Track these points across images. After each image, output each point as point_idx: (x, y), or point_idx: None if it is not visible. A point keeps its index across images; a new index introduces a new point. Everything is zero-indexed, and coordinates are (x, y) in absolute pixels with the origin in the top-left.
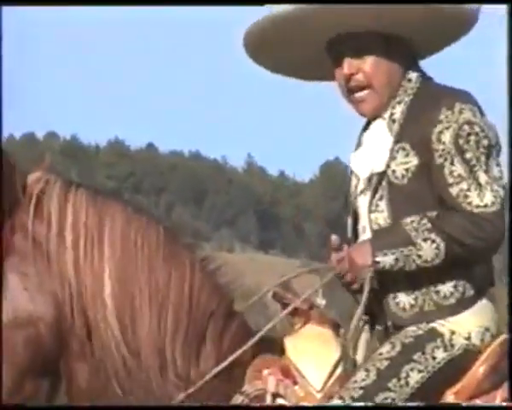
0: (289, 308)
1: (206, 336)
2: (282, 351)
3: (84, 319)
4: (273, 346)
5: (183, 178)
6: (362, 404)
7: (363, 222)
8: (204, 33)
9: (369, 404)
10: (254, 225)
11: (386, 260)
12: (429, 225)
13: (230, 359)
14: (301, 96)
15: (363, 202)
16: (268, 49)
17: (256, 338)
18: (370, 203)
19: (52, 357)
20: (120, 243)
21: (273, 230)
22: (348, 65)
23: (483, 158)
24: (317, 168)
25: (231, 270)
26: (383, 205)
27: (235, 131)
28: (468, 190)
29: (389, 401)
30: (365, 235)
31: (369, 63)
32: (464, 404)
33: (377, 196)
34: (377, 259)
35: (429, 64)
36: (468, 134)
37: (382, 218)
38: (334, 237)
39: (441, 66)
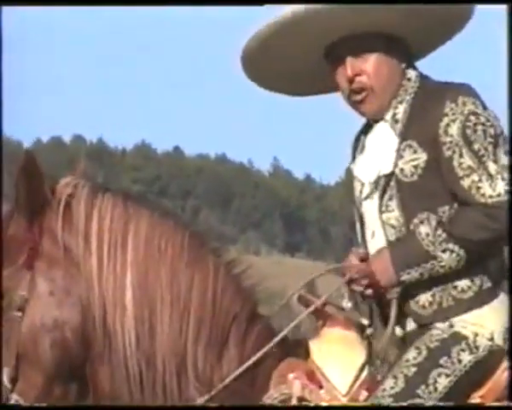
0: (310, 309)
1: (229, 339)
2: (307, 354)
3: (104, 325)
4: (298, 349)
5: (209, 181)
6: (362, 404)
7: (372, 227)
8: (230, 36)
9: (369, 404)
10: (280, 228)
11: (411, 277)
12: (445, 236)
13: (252, 360)
14: (325, 98)
15: (370, 207)
16: (266, 62)
17: (277, 339)
18: (380, 205)
19: (78, 361)
20: (144, 247)
21: (299, 233)
22: (351, 66)
23: (491, 148)
24: (342, 171)
25: (256, 273)
26: (394, 205)
27: (261, 134)
28: (480, 181)
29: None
30: (374, 240)
31: (371, 64)
32: (464, 404)
33: (386, 196)
34: (402, 278)
35: (430, 64)
36: (475, 124)
37: (394, 217)
38: (360, 251)
39: (442, 66)
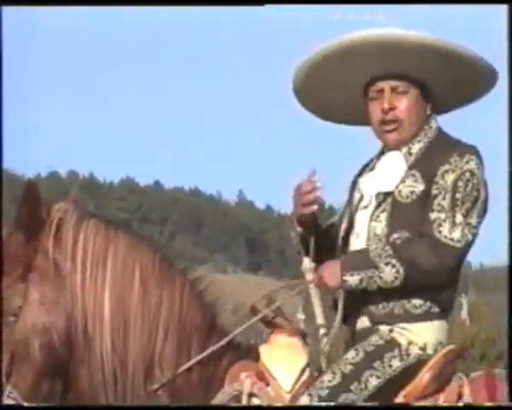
0: (257, 318)
1: (191, 346)
2: (258, 358)
3: (85, 332)
4: (250, 353)
5: (184, 210)
6: (363, 404)
7: (359, 231)
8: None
9: (370, 404)
10: (244, 250)
11: (352, 280)
12: (391, 252)
13: (200, 356)
14: (282, 137)
15: (363, 214)
16: (315, 90)
17: (223, 342)
18: (372, 214)
19: (63, 361)
20: (120, 268)
21: (261, 254)
22: (389, 101)
23: (469, 204)
24: None
25: (217, 289)
26: (383, 217)
27: (229, 169)
28: (444, 221)
29: (349, 401)
30: (357, 241)
31: (405, 103)
32: (464, 404)
33: (380, 209)
34: (344, 278)
35: None
36: (468, 180)
37: (380, 227)
38: (306, 260)
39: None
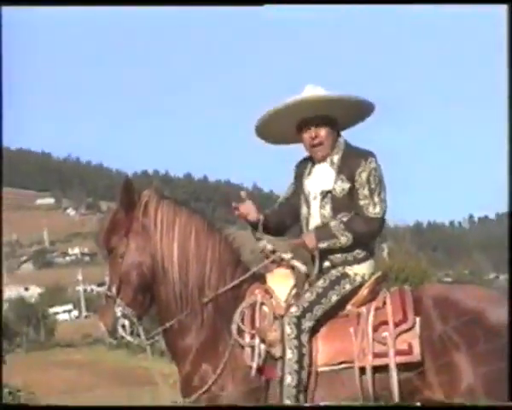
0: (269, 260)
1: (226, 275)
2: (265, 281)
3: (162, 266)
4: (261, 279)
5: (220, 195)
6: (363, 404)
7: (313, 214)
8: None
9: (370, 404)
10: None
11: (322, 245)
12: (343, 226)
13: (234, 282)
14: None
15: (314, 204)
16: (271, 126)
17: (249, 274)
18: (320, 204)
19: (149, 283)
20: (183, 229)
21: None
22: (314, 132)
23: (379, 189)
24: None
25: (240, 240)
26: (327, 206)
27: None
28: (368, 204)
29: (320, 310)
30: (313, 220)
31: (324, 132)
32: (465, 404)
33: (324, 200)
34: (319, 245)
35: (432, 65)
36: (374, 175)
37: (326, 212)
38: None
39: (443, 66)
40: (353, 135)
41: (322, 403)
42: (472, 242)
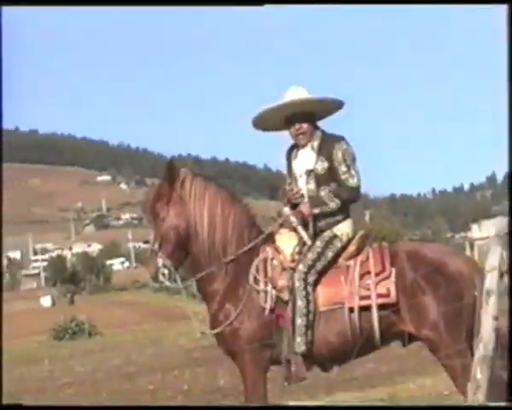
0: (277, 224)
1: (244, 236)
2: (274, 241)
3: (195, 229)
4: (271, 238)
5: (240, 174)
6: (363, 404)
7: (301, 187)
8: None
9: (369, 404)
10: (267, 193)
11: (316, 210)
12: (332, 195)
13: (251, 244)
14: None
15: (302, 181)
16: (264, 120)
17: (262, 236)
18: (306, 181)
19: (184, 242)
20: (212, 199)
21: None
22: (298, 125)
23: (353, 164)
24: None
25: (255, 208)
26: (312, 182)
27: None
28: (347, 178)
29: (320, 266)
30: (303, 196)
31: (305, 125)
32: (465, 404)
33: (309, 177)
34: (313, 211)
35: (433, 65)
36: (348, 154)
37: (311, 187)
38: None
39: (444, 66)
40: (348, 121)
41: (322, 403)
42: (434, 209)
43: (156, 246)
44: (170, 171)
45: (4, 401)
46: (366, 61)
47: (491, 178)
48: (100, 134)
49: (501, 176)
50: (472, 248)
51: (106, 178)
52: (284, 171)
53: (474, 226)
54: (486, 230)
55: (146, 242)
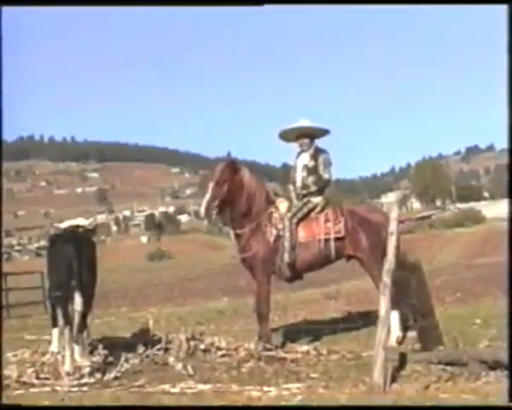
0: (281, 199)
1: (263, 202)
2: (277, 207)
3: (238, 196)
4: (275, 204)
5: (260, 172)
6: (363, 404)
7: (298, 175)
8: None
9: (369, 404)
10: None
11: (304, 191)
12: (315, 180)
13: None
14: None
15: (299, 171)
16: (287, 133)
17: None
18: (301, 172)
19: (229, 201)
20: (249, 181)
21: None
22: (302, 140)
23: (328, 166)
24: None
25: (266, 185)
26: (304, 172)
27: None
28: (325, 173)
29: (300, 214)
30: (298, 178)
31: (306, 140)
32: (464, 404)
33: (304, 170)
34: (301, 192)
35: (435, 65)
36: (326, 160)
37: (304, 177)
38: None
39: (445, 66)
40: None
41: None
42: (362, 188)
43: (216, 202)
44: (232, 163)
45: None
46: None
47: (393, 168)
48: (161, 142)
49: (398, 167)
50: (382, 207)
51: (176, 170)
52: (293, 163)
53: (384, 196)
54: (390, 198)
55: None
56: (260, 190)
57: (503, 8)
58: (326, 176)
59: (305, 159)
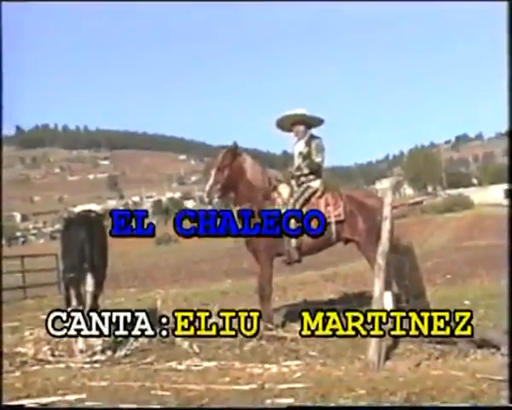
0: (283, 175)
1: (266, 184)
2: (279, 190)
3: (241, 180)
4: (278, 187)
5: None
6: (364, 404)
7: (296, 162)
8: None
9: (370, 404)
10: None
11: (298, 173)
12: (310, 163)
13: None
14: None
15: (296, 156)
16: (283, 121)
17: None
18: (297, 157)
19: (232, 186)
20: (254, 165)
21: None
22: (297, 128)
23: (321, 151)
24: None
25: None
26: (300, 157)
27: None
28: (317, 157)
29: (302, 200)
30: (296, 163)
31: (302, 128)
32: (465, 405)
33: (300, 155)
34: (296, 173)
35: (436, 66)
36: (319, 145)
37: (301, 160)
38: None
39: (445, 66)
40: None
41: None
42: (358, 174)
43: (218, 186)
44: (233, 149)
45: None
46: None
47: (387, 156)
48: (169, 131)
49: (391, 155)
50: (377, 193)
51: (183, 157)
52: (290, 151)
53: (378, 182)
54: (384, 184)
55: (203, 191)
56: (262, 175)
57: (503, 4)
58: (318, 159)
59: (301, 146)
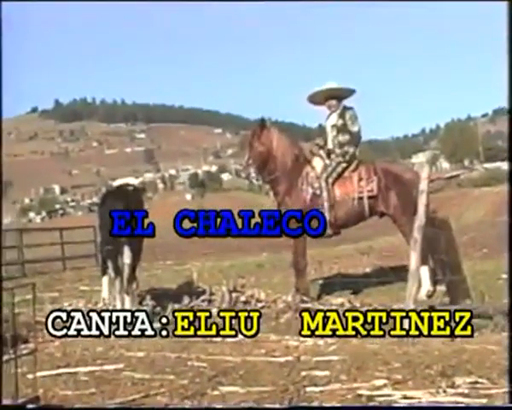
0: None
1: (293, 159)
2: (313, 165)
3: (271, 156)
4: (311, 162)
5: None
6: (364, 405)
7: (328, 132)
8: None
9: (369, 404)
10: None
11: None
12: (342, 140)
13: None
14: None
15: (329, 129)
16: (315, 96)
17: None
18: (331, 130)
19: (265, 161)
20: (285, 140)
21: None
22: (329, 102)
23: (355, 120)
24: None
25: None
26: (334, 130)
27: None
28: (353, 127)
29: (335, 174)
30: (329, 136)
31: (334, 101)
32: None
33: (333, 128)
34: (335, 149)
35: (438, 62)
36: (352, 116)
37: (334, 133)
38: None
39: (446, 66)
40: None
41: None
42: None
43: (250, 161)
44: (261, 124)
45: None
46: None
47: (423, 130)
48: (205, 104)
49: (428, 128)
50: (413, 167)
51: (219, 131)
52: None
53: (414, 156)
54: (420, 158)
55: (240, 165)
56: (292, 149)
57: (503, 4)
58: (354, 129)
59: (334, 119)
